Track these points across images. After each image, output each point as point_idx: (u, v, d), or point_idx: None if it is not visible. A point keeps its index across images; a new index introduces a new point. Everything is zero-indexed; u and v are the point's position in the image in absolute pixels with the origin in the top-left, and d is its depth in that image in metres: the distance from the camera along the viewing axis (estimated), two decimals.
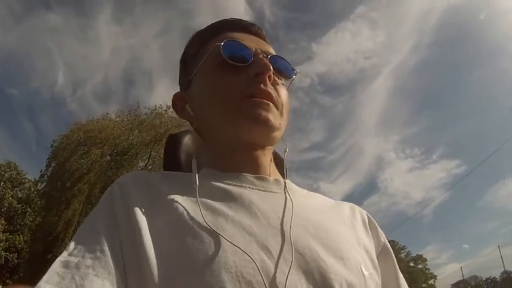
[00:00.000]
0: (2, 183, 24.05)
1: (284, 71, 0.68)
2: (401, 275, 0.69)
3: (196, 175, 0.58)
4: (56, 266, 0.46)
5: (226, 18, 0.73)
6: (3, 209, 23.28)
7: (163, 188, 0.58)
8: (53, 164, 14.75)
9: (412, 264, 35.45)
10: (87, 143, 14.35)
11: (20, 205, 23.54)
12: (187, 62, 0.73)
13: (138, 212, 0.52)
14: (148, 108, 15.31)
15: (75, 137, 14.26)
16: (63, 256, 0.47)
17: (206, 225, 0.49)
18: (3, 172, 24.45)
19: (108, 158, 15.08)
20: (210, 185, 0.59)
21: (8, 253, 22.32)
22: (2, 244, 21.90)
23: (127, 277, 0.47)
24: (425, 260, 35.67)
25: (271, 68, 0.61)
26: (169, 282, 0.45)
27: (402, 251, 36.09)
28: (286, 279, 0.47)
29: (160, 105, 15.11)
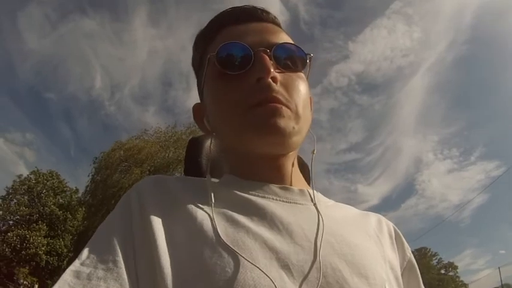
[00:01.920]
0: (45, 191, 25.53)
1: (295, 59, 0.60)
2: None
3: (212, 194, 0.54)
4: (67, 276, 0.44)
5: (225, 10, 0.66)
6: (45, 215, 24.64)
7: (182, 195, 0.56)
8: (96, 179, 15.89)
9: (443, 271, 35.02)
10: (128, 160, 15.35)
11: (61, 212, 24.85)
12: (196, 70, 0.70)
13: (155, 220, 0.50)
14: (184, 126, 16.16)
15: (116, 156, 15.37)
16: (75, 265, 0.46)
17: (227, 237, 0.47)
18: (45, 181, 25.93)
19: (147, 174, 15.87)
20: (231, 193, 0.56)
21: (48, 256, 23.65)
22: (43, 248, 23.25)
23: None
24: (456, 267, 35.13)
25: (271, 69, 0.55)
26: None
27: (434, 258, 35.74)
28: None
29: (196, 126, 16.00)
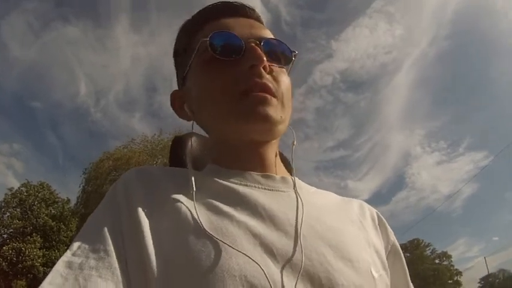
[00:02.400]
0: (37, 202, 25.47)
1: (281, 55, 0.63)
2: (409, 277, 0.67)
3: (193, 181, 0.55)
4: (59, 266, 0.45)
5: (214, 3, 0.67)
6: (38, 227, 24.62)
7: (167, 185, 0.57)
8: (87, 189, 16.25)
9: (437, 261, 35.44)
10: (117, 170, 15.58)
11: (54, 223, 24.84)
12: (179, 58, 0.70)
13: (141, 211, 0.51)
14: (170, 133, 16.33)
15: (105, 166, 15.72)
16: (67, 256, 0.46)
17: (211, 225, 0.49)
18: (37, 192, 25.87)
19: None
20: (215, 182, 0.58)
21: (45, 267, 23.60)
22: (40, 260, 23.24)
23: (130, 278, 0.46)
24: (450, 256, 35.64)
25: (264, 58, 0.57)
26: (171, 285, 0.44)
27: (428, 249, 36.15)
28: (295, 285, 0.46)
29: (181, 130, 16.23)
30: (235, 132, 0.59)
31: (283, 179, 0.61)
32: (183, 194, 0.55)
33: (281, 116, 0.59)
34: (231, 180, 0.58)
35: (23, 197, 25.40)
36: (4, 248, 22.88)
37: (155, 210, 0.52)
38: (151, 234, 0.49)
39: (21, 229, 24.35)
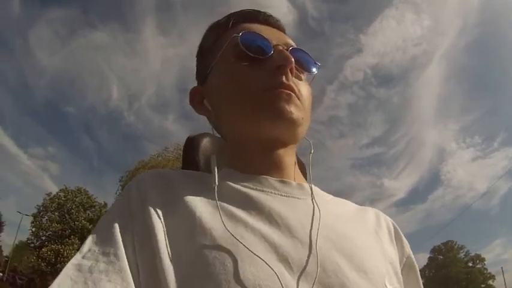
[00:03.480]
0: (74, 206, 26.49)
1: (306, 64, 0.64)
2: None
3: (216, 173, 0.55)
4: (69, 269, 0.44)
5: (243, 9, 0.69)
6: (77, 230, 25.62)
7: (182, 188, 0.56)
8: None
9: (470, 264, 34.60)
10: None
11: (91, 226, 25.70)
12: (204, 55, 0.70)
13: (155, 214, 0.50)
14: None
15: None
16: (77, 259, 0.45)
17: (226, 231, 0.47)
18: (74, 197, 26.98)
19: None
20: (229, 187, 0.56)
21: None
22: None
23: (141, 283, 0.45)
24: (483, 259, 34.56)
25: (293, 60, 0.58)
26: None
27: (461, 251, 35.32)
28: None
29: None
30: (255, 128, 0.59)
31: (300, 185, 0.60)
32: (200, 198, 0.54)
33: (302, 118, 0.59)
34: (247, 184, 0.57)
35: (61, 201, 26.58)
36: (43, 249, 24.00)
37: (170, 214, 0.51)
38: (166, 239, 0.48)
39: (59, 232, 25.44)
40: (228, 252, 0.45)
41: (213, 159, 0.59)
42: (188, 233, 0.48)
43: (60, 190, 27.56)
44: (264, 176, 0.59)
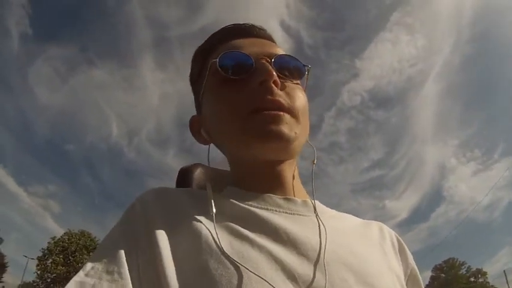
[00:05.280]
0: (79, 249, 26.91)
1: (294, 70, 0.62)
2: None
3: (212, 201, 0.54)
4: (72, 286, 0.43)
5: (225, 26, 0.67)
6: None
7: (186, 207, 0.55)
8: None
9: (472, 279, 34.72)
10: None
11: None
12: (195, 83, 0.70)
13: (159, 233, 0.49)
14: None
15: None
16: (79, 276, 0.44)
17: (232, 250, 0.47)
18: (78, 240, 27.53)
19: None
20: (234, 205, 0.56)
21: None
22: None
23: None
24: (485, 273, 34.58)
25: (273, 73, 0.56)
26: None
27: (462, 267, 35.40)
28: None
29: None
30: (249, 152, 0.58)
31: (304, 202, 0.60)
32: (204, 216, 0.53)
33: (295, 132, 0.57)
34: (251, 203, 0.56)
35: (66, 244, 27.04)
36: None
37: (174, 232, 0.51)
38: (171, 259, 0.47)
39: (64, 274, 25.71)
40: (234, 270, 0.45)
41: (208, 186, 0.58)
42: (193, 252, 0.47)
43: (64, 233, 28.21)
44: (268, 194, 0.58)
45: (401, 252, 0.65)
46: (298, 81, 0.63)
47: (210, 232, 0.50)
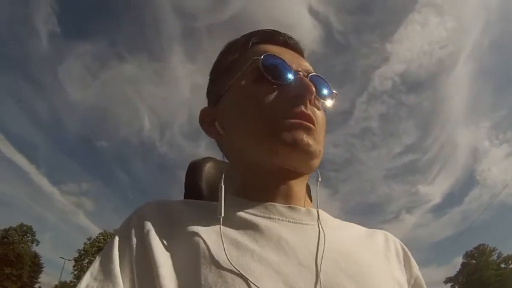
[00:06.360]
0: None
1: (323, 92, 0.63)
2: None
3: (223, 205, 0.53)
4: None
5: (263, 29, 0.68)
6: None
7: (185, 219, 0.55)
8: None
9: (503, 265, 34.14)
10: None
11: None
12: (219, 75, 0.68)
13: (157, 246, 0.49)
14: None
15: None
16: None
17: (232, 261, 0.46)
18: (104, 240, 28.66)
19: None
20: (236, 215, 0.55)
21: None
22: None
23: None
24: None
25: (314, 90, 0.57)
26: None
27: (494, 253, 34.80)
28: None
29: None
30: (270, 156, 0.57)
31: (308, 211, 0.59)
32: (204, 228, 0.52)
33: (320, 150, 0.58)
34: (254, 212, 0.56)
35: (101, 244, 28.18)
36: None
37: (173, 244, 0.50)
38: (169, 271, 0.47)
39: None
40: (234, 282, 0.45)
41: (221, 189, 0.57)
42: (193, 264, 0.47)
43: (100, 234, 29.35)
44: (272, 203, 0.58)
45: (406, 261, 0.65)
46: (324, 103, 0.64)
47: (210, 244, 0.50)
